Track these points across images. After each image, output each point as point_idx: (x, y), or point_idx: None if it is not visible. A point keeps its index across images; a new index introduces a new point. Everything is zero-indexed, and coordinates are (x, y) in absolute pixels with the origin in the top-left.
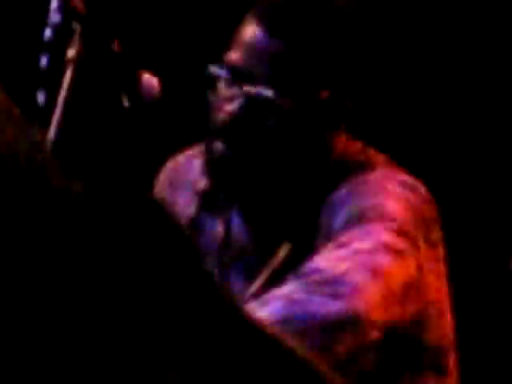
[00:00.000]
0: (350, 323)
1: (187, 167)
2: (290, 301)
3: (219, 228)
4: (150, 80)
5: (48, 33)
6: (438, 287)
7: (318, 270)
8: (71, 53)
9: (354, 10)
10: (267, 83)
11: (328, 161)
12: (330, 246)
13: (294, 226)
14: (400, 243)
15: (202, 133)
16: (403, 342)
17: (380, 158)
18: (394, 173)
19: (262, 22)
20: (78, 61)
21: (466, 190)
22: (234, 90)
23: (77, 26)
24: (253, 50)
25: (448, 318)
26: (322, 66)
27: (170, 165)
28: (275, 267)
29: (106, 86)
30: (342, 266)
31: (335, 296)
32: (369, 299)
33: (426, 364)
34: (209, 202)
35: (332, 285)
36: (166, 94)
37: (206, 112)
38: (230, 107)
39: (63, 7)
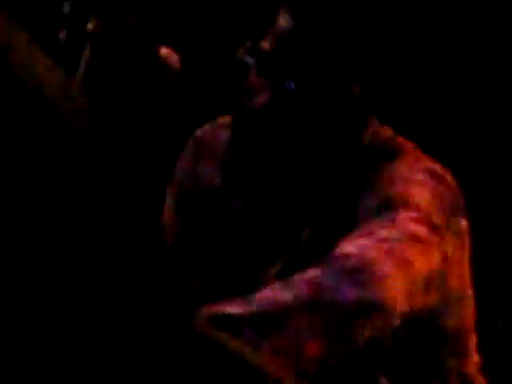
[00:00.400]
0: (374, 311)
1: (215, 138)
2: (316, 286)
3: (242, 204)
4: (169, 54)
5: (67, 7)
6: (461, 276)
7: (345, 257)
8: (90, 27)
9: (386, 6)
10: (298, 76)
11: (356, 147)
12: (357, 232)
13: (318, 208)
14: (425, 233)
15: (224, 106)
16: (423, 328)
17: (408, 145)
18: (421, 161)
19: (296, 14)
20: (97, 35)
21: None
22: (264, 80)
23: (95, 1)
24: (285, 40)
25: (469, 303)
26: (356, 61)
27: (198, 133)
28: (297, 249)
29: (124, 60)
30: (369, 255)
31: (361, 284)
32: (393, 289)
33: (447, 348)
34: (233, 177)
35: (359, 273)
36: (186, 69)
37: (224, 86)
38: (260, 98)
39: None
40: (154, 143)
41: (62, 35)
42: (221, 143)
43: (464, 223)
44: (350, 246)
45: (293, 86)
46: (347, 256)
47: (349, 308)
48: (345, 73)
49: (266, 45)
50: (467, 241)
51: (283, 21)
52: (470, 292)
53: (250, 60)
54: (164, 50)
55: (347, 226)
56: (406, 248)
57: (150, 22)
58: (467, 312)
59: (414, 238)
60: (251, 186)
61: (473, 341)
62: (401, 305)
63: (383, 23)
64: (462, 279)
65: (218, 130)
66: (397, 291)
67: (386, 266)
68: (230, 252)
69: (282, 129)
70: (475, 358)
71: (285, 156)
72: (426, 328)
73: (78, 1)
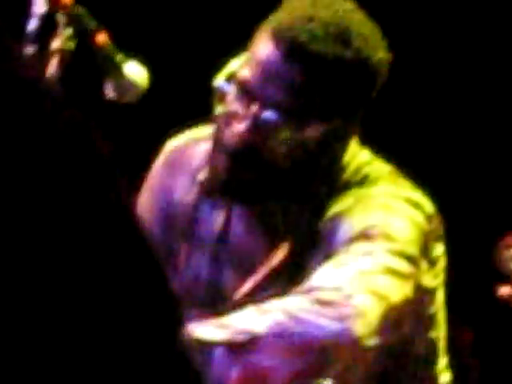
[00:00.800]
0: (347, 347)
1: (191, 151)
2: (292, 316)
3: (218, 219)
4: (136, 69)
5: (32, 24)
6: (434, 302)
7: (323, 289)
8: (55, 43)
9: (371, 39)
10: (279, 107)
11: (334, 170)
12: (336, 261)
13: (295, 228)
14: (402, 266)
15: (200, 116)
16: (394, 353)
17: (385, 169)
18: (399, 188)
19: (279, 43)
20: (63, 52)
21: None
22: (244, 108)
23: (61, 17)
24: (267, 71)
25: (440, 327)
26: (339, 95)
27: (172, 146)
28: (272, 267)
29: (90, 77)
30: (346, 288)
31: (338, 318)
32: (368, 324)
33: (415, 371)
34: (210, 192)
35: (336, 306)
36: (155, 83)
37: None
38: (239, 128)
39: None
40: (121, 156)
41: (28, 52)
42: (196, 157)
43: (440, 249)
44: (328, 277)
45: (273, 116)
46: (325, 288)
47: (323, 340)
48: (326, 109)
49: (246, 74)
50: (442, 266)
51: (267, 52)
52: (442, 315)
53: (226, 86)
54: (132, 65)
55: (324, 249)
56: (383, 282)
57: (119, 37)
58: (438, 335)
59: (391, 272)
60: (230, 203)
61: (441, 362)
62: (375, 339)
63: (371, 60)
64: (435, 305)
65: (193, 143)
66: (372, 326)
67: (363, 301)
68: (202, 266)
69: (260, 155)
70: (443, 378)
71: (262, 178)
72: (397, 353)
73: (44, 17)
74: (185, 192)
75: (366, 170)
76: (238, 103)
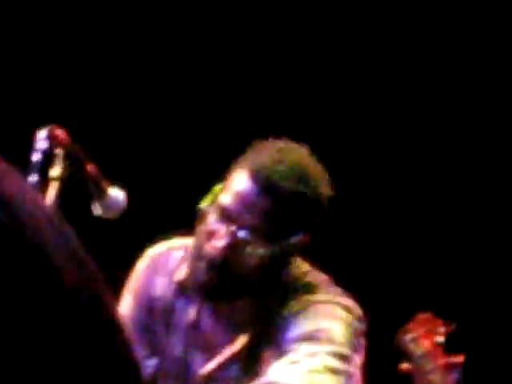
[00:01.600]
0: None
1: (168, 257)
2: None
3: (191, 311)
4: (117, 193)
5: (37, 156)
6: (357, 380)
7: None
8: (54, 172)
9: (322, 179)
10: (252, 229)
11: (285, 279)
12: (287, 359)
13: (252, 324)
14: (339, 365)
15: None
16: None
17: (322, 278)
18: (334, 295)
19: (255, 180)
20: (60, 178)
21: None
22: (223, 228)
23: (59, 152)
24: (244, 201)
25: None
26: (298, 221)
27: (152, 253)
28: (233, 352)
29: (81, 197)
30: None
31: None
32: None
33: None
34: (186, 290)
35: None
36: (132, 204)
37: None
38: (218, 243)
39: (49, 136)
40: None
41: (33, 179)
42: (172, 261)
43: (362, 340)
44: (282, 373)
45: (247, 235)
46: None
47: None
48: (289, 231)
49: (226, 201)
50: (363, 352)
51: (244, 184)
52: None
53: (208, 209)
54: (114, 189)
55: (276, 343)
56: (324, 379)
57: (105, 169)
58: None
59: (330, 370)
60: (202, 299)
61: None
62: None
63: (323, 195)
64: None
65: (171, 251)
66: None
67: None
68: (177, 348)
69: (233, 265)
70: None
71: (232, 283)
72: None
73: (47, 152)
74: (164, 288)
75: (308, 278)
76: (218, 223)
